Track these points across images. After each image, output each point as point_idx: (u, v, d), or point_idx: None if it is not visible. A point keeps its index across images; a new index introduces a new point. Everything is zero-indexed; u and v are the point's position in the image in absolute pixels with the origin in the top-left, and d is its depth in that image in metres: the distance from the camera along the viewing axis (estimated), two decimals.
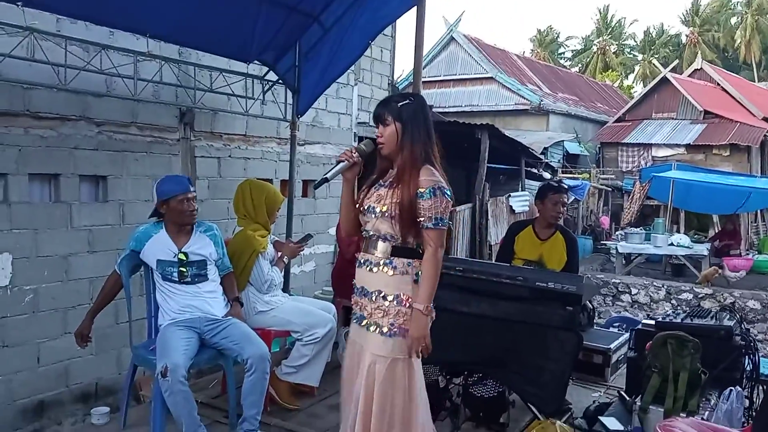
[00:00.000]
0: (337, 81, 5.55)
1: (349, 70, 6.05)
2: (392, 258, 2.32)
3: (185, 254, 3.11)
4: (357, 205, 2.40)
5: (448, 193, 2.32)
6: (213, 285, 3.21)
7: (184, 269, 3.08)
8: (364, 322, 2.34)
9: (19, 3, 3.11)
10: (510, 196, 10.01)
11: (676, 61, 26.84)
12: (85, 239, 4.32)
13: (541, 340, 3.27)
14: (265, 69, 4.84)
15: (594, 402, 3.48)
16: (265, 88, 5.07)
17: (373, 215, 2.32)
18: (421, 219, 2.26)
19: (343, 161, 2.32)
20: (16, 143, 3.89)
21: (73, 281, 4.24)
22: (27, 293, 4.01)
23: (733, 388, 2.73)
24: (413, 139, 2.33)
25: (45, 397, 4.15)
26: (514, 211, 9.91)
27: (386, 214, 2.28)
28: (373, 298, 2.31)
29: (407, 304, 2.31)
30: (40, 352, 4.11)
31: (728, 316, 3.50)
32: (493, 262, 5.43)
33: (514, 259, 4.04)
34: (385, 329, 2.29)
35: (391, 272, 2.30)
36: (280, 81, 4.81)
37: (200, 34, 4.06)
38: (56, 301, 4.16)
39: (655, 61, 30.55)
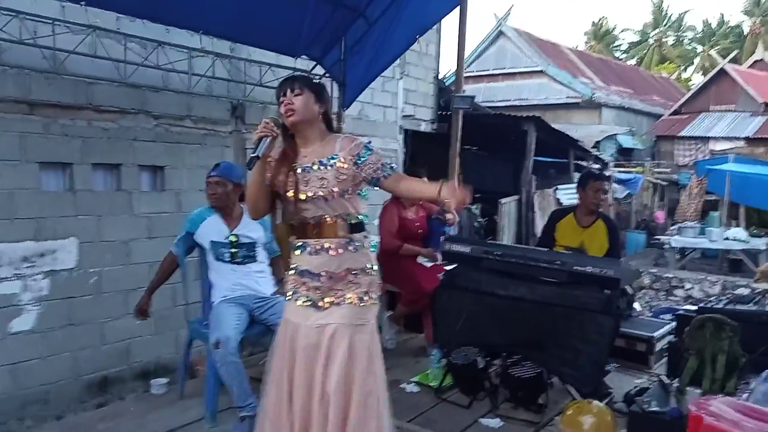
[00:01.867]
0: (383, 75, 5.68)
1: (394, 64, 6.17)
2: (351, 236, 2.33)
3: (236, 236, 3.31)
4: (285, 192, 2.31)
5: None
6: (262, 266, 3.40)
7: (235, 250, 3.29)
8: (326, 302, 2.29)
9: (82, 2, 3.34)
10: (557, 188, 9.94)
11: (736, 52, 25.89)
12: (145, 226, 4.57)
13: (579, 323, 3.33)
14: (313, 63, 5.00)
15: (635, 387, 3.50)
16: None
17: (324, 201, 2.27)
18: (378, 171, 2.27)
19: (265, 136, 2.23)
20: (80, 134, 4.14)
21: (133, 265, 4.48)
22: (92, 275, 4.27)
23: None
24: (327, 112, 2.37)
25: (108, 373, 4.41)
26: (561, 203, 9.83)
27: (340, 194, 2.27)
28: (343, 278, 2.30)
29: (375, 273, 2.38)
30: (104, 331, 4.37)
31: None
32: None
33: (555, 247, 4.07)
34: (358, 299, 2.30)
35: (353, 249, 2.32)
36: (327, 75, 4.96)
37: (250, 30, 4.25)
38: (118, 284, 4.41)
39: (714, 53, 29.52)
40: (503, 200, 8.92)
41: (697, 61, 39.10)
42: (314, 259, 2.30)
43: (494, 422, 3.29)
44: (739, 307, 3.41)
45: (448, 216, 4.53)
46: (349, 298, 2.29)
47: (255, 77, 5.02)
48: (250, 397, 3.04)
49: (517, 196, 9.26)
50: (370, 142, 2.36)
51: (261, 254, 3.42)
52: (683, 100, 19.69)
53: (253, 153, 2.23)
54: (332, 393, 2.19)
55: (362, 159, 2.27)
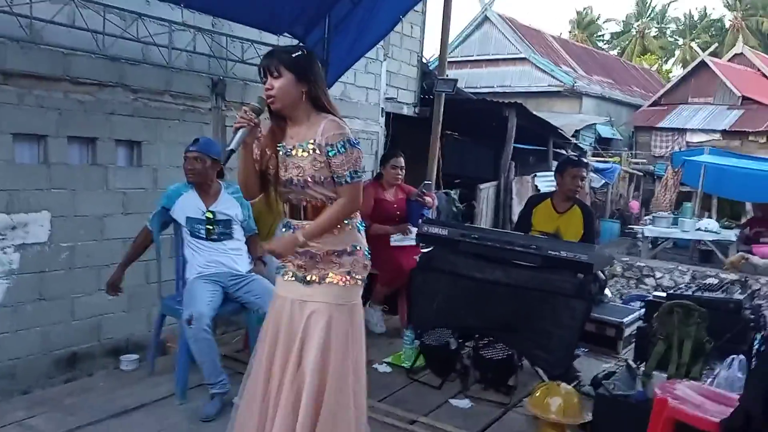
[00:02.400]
0: (366, 56, 5.64)
1: (378, 45, 6.14)
2: None
3: (212, 213, 3.29)
4: (267, 174, 2.29)
5: (357, 144, 2.24)
6: (238, 243, 3.39)
7: (211, 227, 3.27)
8: (310, 278, 2.27)
9: None
10: (536, 175, 10.02)
11: (716, 45, 26.16)
12: (120, 201, 4.51)
13: (552, 306, 3.38)
14: (296, 41, 4.96)
15: (603, 371, 3.57)
16: None
17: (300, 186, 2.22)
18: (336, 176, 2.19)
19: (242, 127, 2.16)
20: (56, 106, 4.07)
21: (107, 241, 4.43)
22: (64, 250, 4.22)
23: (735, 356, 2.79)
24: (312, 90, 2.20)
25: (78, 349, 4.37)
26: (539, 190, 9.92)
27: (315, 182, 2.21)
28: (325, 257, 2.26)
29: (360, 253, 2.32)
30: (75, 307, 4.32)
31: (739, 291, 3.55)
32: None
33: (532, 232, 4.12)
34: (343, 278, 2.26)
35: (336, 231, 2.26)
36: None
37: (232, 5, 4.20)
38: (91, 259, 4.36)
39: (695, 46, 29.80)
40: (482, 186, 8.98)
41: (677, 53, 39.47)
42: None
43: (464, 403, 3.34)
44: (707, 294, 3.47)
45: (427, 199, 4.55)
46: (331, 277, 2.25)
47: (237, 54, 4.96)
48: (222, 374, 3.05)
49: (496, 182, 9.31)
50: (349, 141, 2.20)
51: (237, 232, 3.40)
52: (662, 91, 19.87)
53: (228, 146, 2.16)
54: (308, 373, 2.18)
55: (331, 153, 2.17)
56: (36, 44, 3.85)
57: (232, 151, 2.15)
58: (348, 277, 2.27)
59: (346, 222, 2.29)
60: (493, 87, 18.12)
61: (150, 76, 4.55)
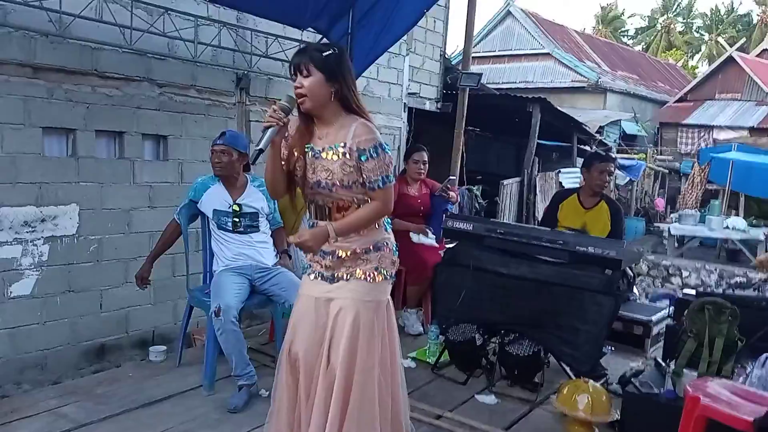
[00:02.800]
0: (389, 50, 5.63)
1: (401, 40, 6.12)
2: None
3: (239, 206, 3.30)
4: (294, 175, 2.26)
5: (388, 148, 2.21)
6: (264, 236, 3.40)
7: (238, 219, 3.29)
8: (340, 274, 2.25)
9: None
10: (560, 171, 9.94)
11: (743, 40, 25.70)
12: (146, 195, 4.57)
13: (579, 302, 3.34)
14: (319, 36, 4.97)
15: (631, 369, 3.52)
16: None
17: (328, 188, 2.19)
18: (367, 181, 2.16)
19: (271, 126, 2.12)
20: (83, 100, 4.13)
21: (134, 234, 4.50)
22: (92, 243, 4.28)
23: None
24: (342, 90, 2.16)
25: (106, 341, 4.44)
26: (563, 187, 9.83)
27: (342, 186, 2.17)
28: (352, 257, 2.24)
29: (388, 249, 2.29)
30: (103, 299, 4.39)
31: None
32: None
33: (557, 227, 4.07)
34: (370, 274, 2.24)
35: (364, 232, 2.24)
36: None
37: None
38: (118, 252, 4.42)
39: (722, 41, 29.31)
40: (505, 182, 8.93)
41: (704, 48, 38.83)
42: None
43: (489, 399, 3.31)
44: (738, 292, 3.41)
45: (451, 194, 4.52)
46: (358, 274, 2.23)
47: (261, 48, 4.99)
48: (249, 366, 3.06)
49: (519, 178, 9.25)
50: (381, 145, 2.16)
51: (263, 225, 3.41)
52: (689, 87, 19.59)
53: (257, 146, 2.12)
54: (337, 368, 2.17)
55: (363, 158, 2.14)
56: (65, 39, 3.91)
57: (261, 150, 2.12)
58: (375, 273, 2.24)
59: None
60: (515, 83, 18.01)
61: (175, 71, 4.60)
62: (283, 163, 2.24)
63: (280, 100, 2.18)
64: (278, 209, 3.58)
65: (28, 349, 4.01)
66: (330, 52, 2.15)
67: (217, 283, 3.14)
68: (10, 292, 3.90)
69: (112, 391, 3.16)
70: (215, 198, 3.31)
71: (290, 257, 3.55)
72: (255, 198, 3.37)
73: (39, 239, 4.00)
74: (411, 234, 4.33)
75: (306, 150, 2.22)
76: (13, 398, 3.37)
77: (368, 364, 2.20)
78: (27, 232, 3.93)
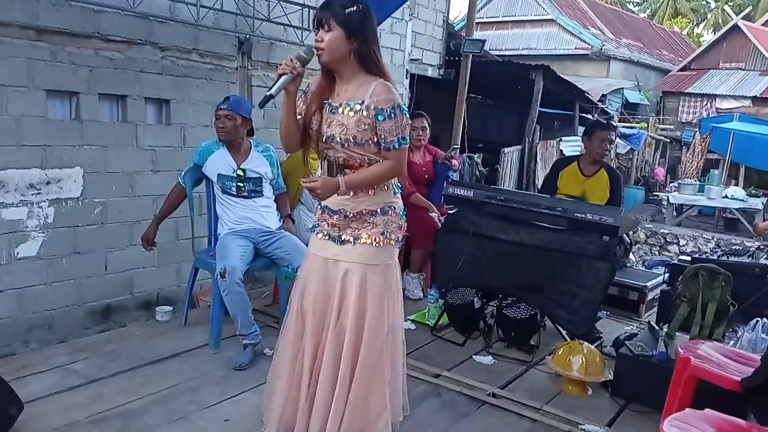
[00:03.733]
0: (392, 16, 5.59)
1: (404, 5, 6.07)
2: None
3: (243, 170, 3.35)
4: (309, 128, 2.28)
5: (406, 110, 2.22)
6: (268, 201, 3.46)
7: (242, 184, 3.34)
8: (343, 238, 2.29)
9: None
10: (561, 140, 9.93)
11: (749, 8, 25.35)
12: (149, 159, 4.59)
13: (576, 268, 3.41)
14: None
15: (625, 333, 3.61)
16: None
17: (340, 146, 2.20)
18: (382, 141, 2.18)
19: (285, 74, 2.14)
20: (86, 63, 4.12)
21: (138, 197, 4.53)
22: (96, 205, 4.32)
23: (759, 318, 2.81)
24: (362, 48, 2.16)
25: (111, 301, 4.52)
26: (564, 155, 9.84)
27: (356, 142, 2.19)
28: (359, 217, 2.27)
29: (395, 214, 2.32)
30: (108, 261, 4.45)
31: (766, 256, 3.54)
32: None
33: (557, 195, 4.12)
34: (376, 238, 2.26)
35: (372, 191, 2.27)
36: None
37: None
38: (122, 215, 4.46)
39: (728, 8, 28.91)
40: (506, 149, 8.94)
41: (710, 16, 38.28)
42: (333, 197, 2.27)
43: (487, 359, 3.40)
44: (732, 259, 3.48)
45: (454, 162, 4.57)
46: (364, 238, 2.26)
47: (263, 12, 4.95)
48: (253, 326, 3.15)
49: (520, 146, 9.26)
50: (399, 106, 2.17)
51: (267, 189, 3.46)
52: (693, 56, 19.42)
53: (269, 90, 2.13)
54: (347, 326, 2.22)
55: (380, 118, 2.15)
56: (67, 1, 3.89)
57: (272, 96, 2.12)
58: (381, 237, 2.26)
59: (386, 183, 2.29)
60: (518, 49, 17.83)
61: (178, 34, 4.57)
62: (300, 116, 2.27)
63: (297, 54, 2.19)
64: (282, 174, 3.63)
65: (35, 309, 4.08)
66: (353, 8, 2.14)
67: (222, 245, 3.20)
68: (17, 253, 3.95)
69: (121, 349, 3.25)
70: (219, 162, 3.35)
71: (293, 222, 3.62)
72: (259, 163, 3.41)
73: (44, 201, 4.04)
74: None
75: (324, 105, 2.25)
76: (23, 355, 3.47)
77: (378, 327, 2.25)
78: (32, 194, 3.97)
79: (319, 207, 2.36)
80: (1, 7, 3.64)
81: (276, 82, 2.14)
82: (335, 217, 2.28)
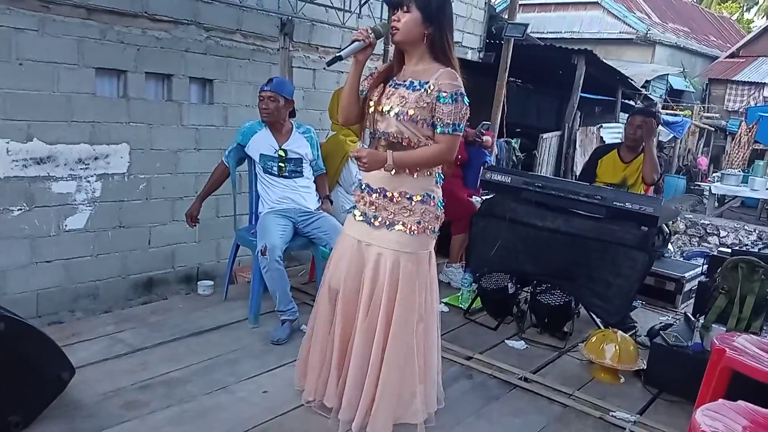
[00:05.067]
0: None
1: None
2: None
3: (284, 151, 3.42)
4: (369, 101, 2.32)
5: (467, 100, 2.24)
6: (307, 182, 3.53)
7: (283, 164, 3.41)
8: (379, 221, 2.30)
9: None
10: (602, 126, 9.77)
11: None
12: (193, 137, 4.70)
13: (613, 257, 3.40)
14: None
15: (660, 323, 3.59)
16: (362, 1, 5.18)
17: (395, 118, 2.22)
18: (438, 123, 2.20)
19: (359, 41, 2.20)
20: (135, 42, 4.23)
21: (181, 174, 4.65)
22: (141, 181, 4.46)
23: None
24: (434, 35, 2.21)
25: (154, 275, 4.67)
26: (604, 142, 9.69)
27: (411, 118, 2.20)
28: (396, 200, 2.27)
29: (433, 204, 2.32)
30: (151, 235, 4.60)
31: None
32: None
33: (596, 182, 4.09)
34: (412, 227, 2.27)
35: (416, 174, 2.27)
36: None
37: None
38: (166, 191, 4.60)
39: None
40: (545, 135, 8.84)
41: (761, 1, 36.89)
42: (375, 174, 2.30)
43: (519, 344, 3.43)
44: None
45: (486, 138, 4.53)
46: (400, 225, 2.27)
47: None
48: (291, 302, 3.24)
49: (559, 132, 9.14)
50: (462, 94, 2.20)
51: (307, 170, 3.53)
52: (742, 42, 18.80)
53: (339, 52, 2.21)
54: (379, 313, 2.26)
55: (442, 100, 2.18)
56: None
57: (340, 57, 2.19)
58: (417, 226, 2.27)
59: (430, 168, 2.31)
60: (560, 32, 17.49)
61: (222, 15, 4.65)
62: (362, 93, 2.32)
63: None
64: (321, 156, 3.69)
65: (82, 279, 4.25)
66: None
67: (263, 224, 3.28)
68: (65, 225, 4.11)
69: (164, 320, 3.37)
70: (262, 143, 3.43)
71: (332, 203, 3.68)
72: (300, 144, 3.48)
73: (92, 176, 4.18)
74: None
75: (389, 81, 2.30)
76: (70, 323, 3.62)
77: (408, 310, 2.28)
78: (81, 168, 4.11)
79: (359, 187, 2.40)
80: None
81: (348, 45, 2.22)
82: (374, 195, 2.31)
